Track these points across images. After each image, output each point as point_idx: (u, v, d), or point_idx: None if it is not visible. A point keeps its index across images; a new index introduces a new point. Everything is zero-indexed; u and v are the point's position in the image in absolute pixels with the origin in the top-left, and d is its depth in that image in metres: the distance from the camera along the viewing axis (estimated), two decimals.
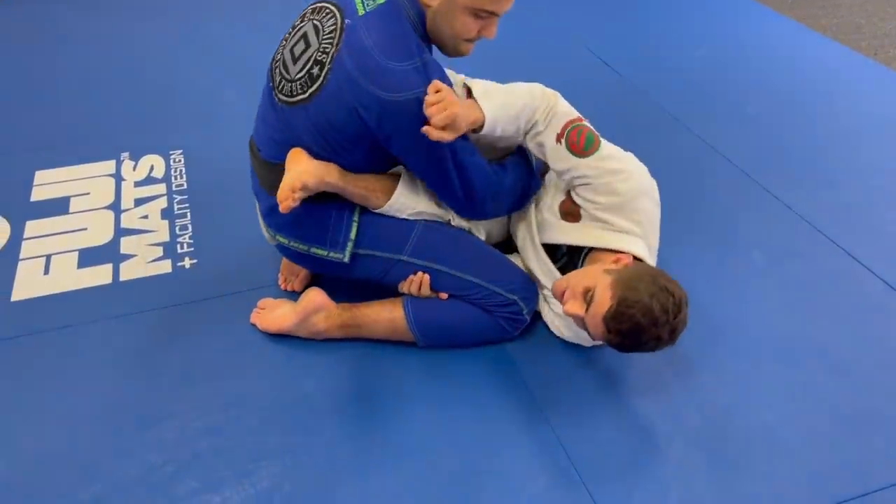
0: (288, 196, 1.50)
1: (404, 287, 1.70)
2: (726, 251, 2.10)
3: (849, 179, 2.43)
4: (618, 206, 1.60)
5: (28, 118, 2.73)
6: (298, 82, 1.56)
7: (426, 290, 1.68)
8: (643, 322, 1.42)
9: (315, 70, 1.53)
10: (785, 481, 1.49)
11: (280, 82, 1.61)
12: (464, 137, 1.57)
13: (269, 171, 1.66)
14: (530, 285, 1.74)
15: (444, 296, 1.69)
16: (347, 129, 1.54)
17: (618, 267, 1.53)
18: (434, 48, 1.60)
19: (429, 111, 1.45)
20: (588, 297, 1.48)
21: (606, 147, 1.62)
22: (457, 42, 1.56)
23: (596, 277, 1.50)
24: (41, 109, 2.79)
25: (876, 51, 3.54)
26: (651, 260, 1.65)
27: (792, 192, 2.34)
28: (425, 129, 1.45)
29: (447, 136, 1.47)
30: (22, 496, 1.44)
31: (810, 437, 1.57)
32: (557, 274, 1.71)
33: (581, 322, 1.52)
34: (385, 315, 1.73)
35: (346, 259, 1.68)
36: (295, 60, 1.59)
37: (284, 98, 1.59)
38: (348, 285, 1.83)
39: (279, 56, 1.65)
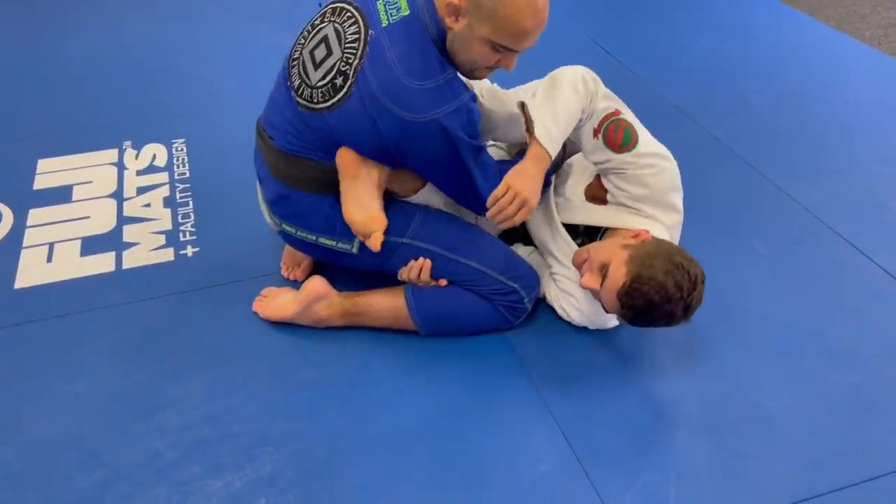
0: (375, 245, 1.60)
1: (404, 274, 1.70)
2: (728, 240, 2.10)
3: (851, 169, 2.43)
4: (646, 198, 1.63)
5: (31, 106, 2.74)
6: (320, 90, 1.55)
7: (426, 276, 1.68)
8: (656, 299, 1.45)
9: (339, 81, 1.52)
10: (784, 468, 1.49)
11: (300, 86, 1.60)
12: (480, 150, 1.59)
13: (285, 160, 1.66)
14: (531, 274, 1.75)
15: (444, 283, 1.69)
16: (365, 142, 1.55)
17: (636, 242, 1.54)
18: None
19: (502, 216, 1.51)
20: (604, 271, 1.51)
21: (643, 142, 1.61)
22: (474, 68, 1.54)
23: (614, 252, 1.52)
24: (44, 98, 2.80)
25: (879, 40, 3.53)
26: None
27: (794, 182, 2.33)
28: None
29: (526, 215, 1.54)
30: (27, 482, 1.45)
31: (810, 425, 1.58)
32: (577, 248, 1.72)
33: (596, 295, 1.55)
34: (387, 303, 1.74)
35: (355, 249, 1.69)
36: (316, 66, 1.57)
37: (304, 103, 1.59)
38: (350, 274, 1.83)
39: (297, 55, 1.63)
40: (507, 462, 1.50)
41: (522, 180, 1.52)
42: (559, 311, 1.80)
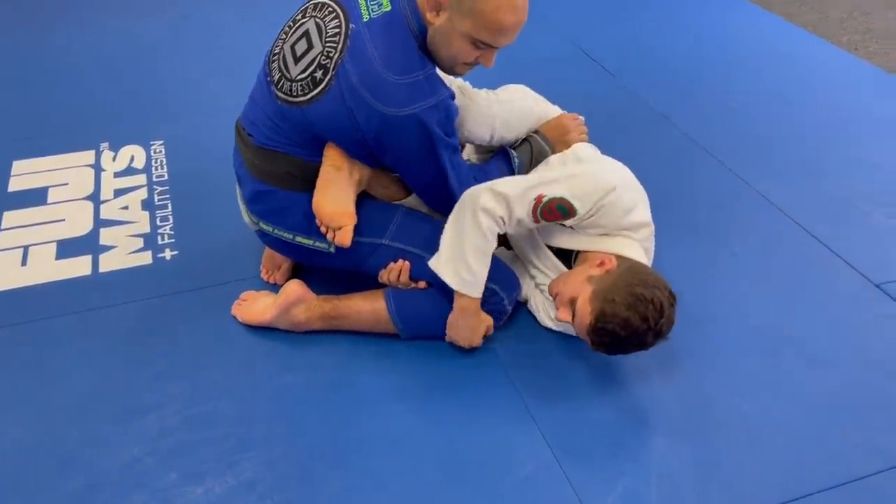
0: (345, 241, 1.61)
1: (384, 276, 1.70)
2: (707, 243, 2.12)
3: (829, 172, 2.45)
4: (610, 229, 1.64)
5: (5, 107, 2.70)
6: (300, 83, 1.56)
7: (405, 278, 1.68)
8: (623, 334, 1.47)
9: (318, 74, 1.53)
10: (763, 471, 1.50)
11: (280, 80, 1.60)
12: (455, 150, 1.61)
13: (263, 157, 1.66)
14: (511, 275, 1.75)
15: (423, 284, 1.69)
16: (344, 136, 1.56)
17: (600, 273, 1.55)
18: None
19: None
20: (573, 306, 1.53)
21: (579, 197, 1.57)
22: (453, 64, 1.56)
23: (579, 287, 1.54)
24: (19, 98, 2.76)
25: (857, 46, 3.57)
26: (646, 258, 1.67)
27: (773, 185, 2.36)
28: None
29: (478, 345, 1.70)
30: (1, 489, 1.42)
31: (788, 428, 1.59)
32: (563, 268, 1.73)
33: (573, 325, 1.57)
34: (366, 306, 1.73)
35: (332, 249, 1.68)
36: (297, 59, 1.58)
37: (283, 96, 1.59)
38: (329, 278, 1.82)
39: (278, 50, 1.64)
40: (489, 467, 1.49)
41: (459, 331, 1.67)
42: (544, 321, 1.80)
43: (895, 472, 1.50)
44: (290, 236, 1.70)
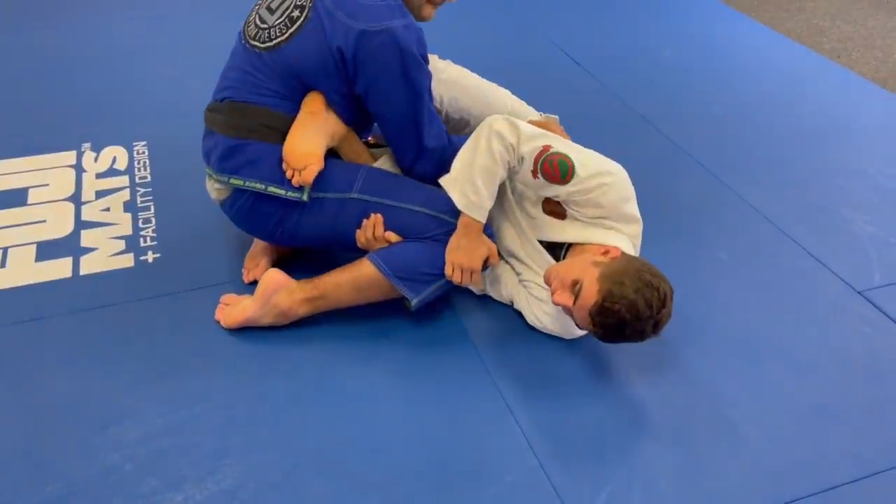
0: (307, 179, 1.64)
1: (361, 236, 1.71)
2: (692, 250, 2.13)
3: (811, 179, 2.47)
4: (603, 215, 1.66)
5: None
6: (277, 27, 1.65)
7: (380, 230, 1.69)
8: (627, 317, 1.47)
9: (295, 13, 1.64)
10: (746, 478, 1.51)
11: (256, 33, 1.69)
12: (429, 78, 1.69)
13: (238, 112, 1.70)
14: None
15: (394, 237, 1.69)
16: (322, 69, 1.63)
17: (606, 259, 1.56)
18: None
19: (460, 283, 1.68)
20: (576, 289, 1.52)
21: (582, 164, 1.62)
22: (421, 4, 1.67)
23: (584, 270, 1.54)
24: None
25: (839, 53, 3.61)
26: (635, 253, 1.69)
27: (756, 192, 2.37)
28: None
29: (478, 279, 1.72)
30: None
31: (772, 434, 1.60)
32: (553, 262, 1.73)
33: (568, 312, 1.56)
34: (347, 276, 1.72)
35: (305, 197, 1.68)
36: (272, 11, 1.68)
37: (260, 45, 1.67)
38: (307, 265, 1.80)
39: (253, 15, 1.73)
40: (473, 474, 1.49)
41: (458, 254, 1.67)
42: (530, 319, 1.80)
43: (876, 479, 1.51)
44: (263, 186, 1.69)
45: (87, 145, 2.44)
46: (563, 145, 1.65)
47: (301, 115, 1.67)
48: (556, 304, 1.57)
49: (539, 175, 1.64)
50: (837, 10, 4.13)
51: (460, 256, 1.66)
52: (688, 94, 2.99)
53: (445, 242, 1.69)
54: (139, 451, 1.49)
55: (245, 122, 1.68)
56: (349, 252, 1.76)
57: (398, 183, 1.75)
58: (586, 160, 1.65)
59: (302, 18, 1.62)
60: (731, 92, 3.01)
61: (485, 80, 1.98)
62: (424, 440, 1.55)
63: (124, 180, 2.29)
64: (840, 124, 2.81)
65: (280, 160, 1.67)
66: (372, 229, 1.69)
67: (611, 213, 1.66)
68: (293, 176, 1.65)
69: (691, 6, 3.87)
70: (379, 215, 1.69)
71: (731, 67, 3.23)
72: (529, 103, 2.01)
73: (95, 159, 2.38)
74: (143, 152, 2.42)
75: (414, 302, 1.71)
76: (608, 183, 1.63)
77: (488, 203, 1.64)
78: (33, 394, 1.60)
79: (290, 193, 1.69)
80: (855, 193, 2.40)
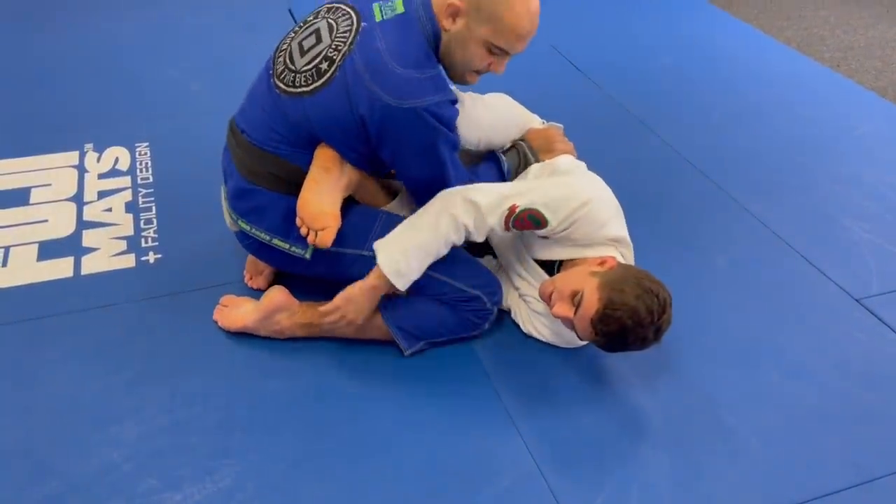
0: (326, 241, 1.58)
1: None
2: (689, 255, 2.13)
3: (810, 187, 2.48)
4: (590, 235, 1.64)
5: None
6: (304, 74, 1.57)
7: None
8: (629, 324, 1.47)
9: (324, 66, 1.55)
10: (743, 482, 1.51)
11: (282, 71, 1.62)
12: (456, 147, 1.63)
13: (251, 155, 1.65)
14: (493, 280, 1.75)
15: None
16: (341, 129, 1.56)
17: (603, 269, 1.56)
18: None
19: (329, 326, 1.66)
20: (576, 299, 1.52)
21: (553, 210, 1.59)
22: (466, 71, 1.60)
23: (583, 280, 1.54)
24: (2, 98, 2.73)
25: (839, 63, 3.62)
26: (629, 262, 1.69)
27: (754, 198, 2.38)
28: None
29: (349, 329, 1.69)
30: None
31: (768, 439, 1.60)
32: (546, 277, 1.72)
33: (569, 324, 1.56)
34: None
35: (308, 255, 1.67)
36: (303, 53, 1.60)
37: (283, 87, 1.60)
38: (311, 285, 1.81)
39: (286, 46, 1.65)
40: (471, 477, 1.49)
41: (349, 305, 1.62)
42: (529, 332, 1.80)
43: (872, 486, 1.52)
44: (268, 238, 1.69)
45: (89, 146, 2.45)
46: (527, 195, 1.61)
47: (314, 171, 1.60)
48: (556, 316, 1.57)
49: (513, 230, 1.65)
50: (837, 20, 4.15)
51: (349, 306, 1.63)
52: (687, 101, 3.00)
53: (455, 307, 1.68)
54: (138, 450, 1.49)
55: (257, 167, 1.65)
56: None
57: None
58: (556, 203, 1.60)
59: (329, 74, 1.53)
60: (730, 99, 3.02)
61: (492, 98, 1.89)
62: (422, 444, 1.55)
63: (126, 181, 2.29)
64: (839, 133, 2.82)
65: (287, 212, 1.63)
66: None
67: (595, 236, 1.64)
68: (308, 234, 1.59)
69: (692, 13, 3.88)
70: None
71: (731, 75, 3.24)
72: (529, 109, 2.01)
73: (98, 160, 2.39)
74: (146, 153, 2.43)
75: (407, 353, 1.72)
76: (580, 218, 1.59)
77: (413, 276, 1.60)
78: (33, 393, 1.61)
79: (293, 249, 1.67)
80: (854, 202, 2.41)
